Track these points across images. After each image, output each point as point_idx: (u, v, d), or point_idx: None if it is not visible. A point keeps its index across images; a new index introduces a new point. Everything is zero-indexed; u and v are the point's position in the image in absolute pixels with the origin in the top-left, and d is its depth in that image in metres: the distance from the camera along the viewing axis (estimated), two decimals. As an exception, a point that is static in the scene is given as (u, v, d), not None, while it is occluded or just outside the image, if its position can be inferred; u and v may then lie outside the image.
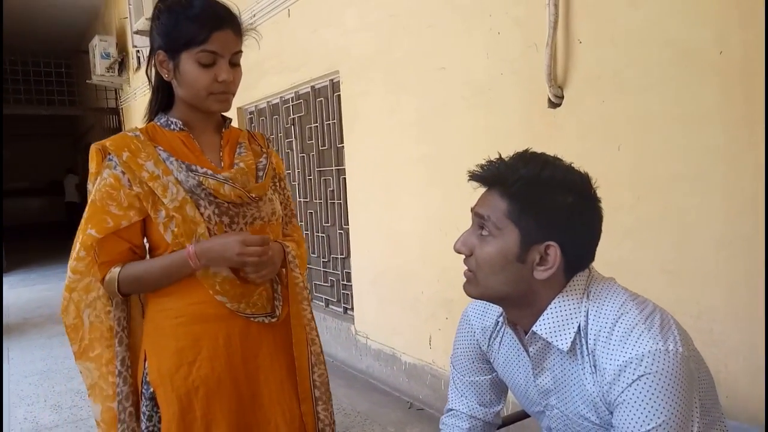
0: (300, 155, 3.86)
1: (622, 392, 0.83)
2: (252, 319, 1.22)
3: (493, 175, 0.92)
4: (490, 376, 1.14)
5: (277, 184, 1.36)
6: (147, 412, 1.19)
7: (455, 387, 1.18)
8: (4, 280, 7.10)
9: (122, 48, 7.60)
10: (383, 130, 2.90)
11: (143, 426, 1.19)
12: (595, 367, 0.89)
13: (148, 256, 1.24)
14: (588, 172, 0.94)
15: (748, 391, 1.54)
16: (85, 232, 1.14)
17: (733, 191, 1.54)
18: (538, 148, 0.98)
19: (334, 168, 3.52)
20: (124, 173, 1.14)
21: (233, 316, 1.20)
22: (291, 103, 3.86)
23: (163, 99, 1.24)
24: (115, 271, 1.16)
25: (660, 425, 0.81)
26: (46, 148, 14.27)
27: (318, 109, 3.59)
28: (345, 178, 3.33)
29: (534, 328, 0.93)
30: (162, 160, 1.16)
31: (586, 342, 0.90)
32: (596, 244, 0.94)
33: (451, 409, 1.18)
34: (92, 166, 1.17)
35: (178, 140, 1.21)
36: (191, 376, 1.17)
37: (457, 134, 2.42)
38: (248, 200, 1.21)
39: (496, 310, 1.07)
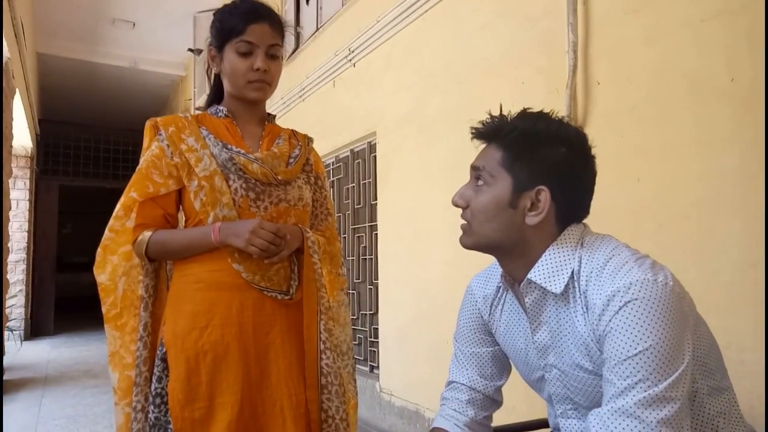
0: (336, 215, 3.99)
1: (610, 320, 0.83)
2: (266, 293, 1.26)
3: (492, 130, 0.98)
4: (491, 349, 1.12)
5: (313, 180, 1.44)
6: (158, 374, 1.22)
7: (456, 360, 1.16)
8: (50, 342, 7.34)
9: (185, 129, 8.21)
10: (413, 182, 3.01)
11: (152, 387, 1.21)
12: (586, 307, 0.88)
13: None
14: (583, 130, 0.99)
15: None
16: (128, 195, 1.26)
17: (753, 212, 1.52)
18: None
19: (367, 224, 3.61)
20: (168, 146, 1.27)
21: (248, 287, 1.24)
22: (331, 167, 4.06)
23: (216, 93, 1.39)
24: (147, 234, 1.25)
25: (647, 349, 0.79)
26: (106, 225, 15.09)
27: (355, 170, 3.76)
28: (377, 234, 3.41)
29: (529, 276, 0.94)
30: (202, 137, 1.29)
31: (578, 284, 0.90)
32: (589, 198, 0.97)
33: (452, 382, 1.16)
34: (145, 141, 1.32)
35: (223, 126, 1.34)
36: (201, 340, 1.21)
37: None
38: (274, 181, 1.30)
39: (497, 278, 1.08)
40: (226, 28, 1.29)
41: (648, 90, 1.82)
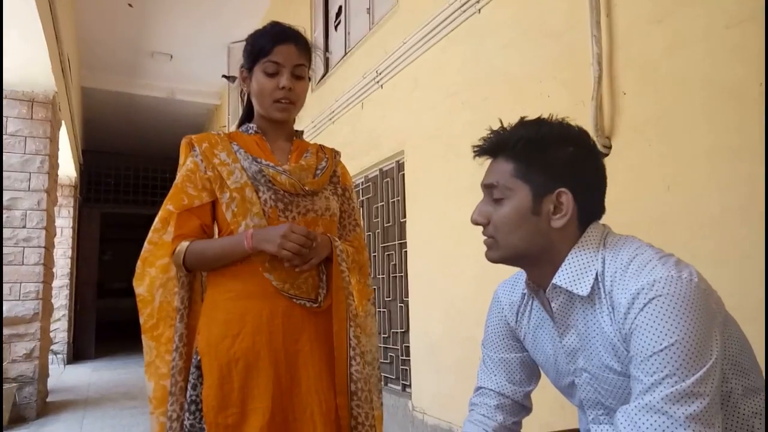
0: (366, 234, 4.03)
1: (636, 318, 0.83)
2: (295, 301, 1.29)
3: (496, 143, 0.99)
4: (520, 355, 1.13)
5: (340, 191, 1.49)
6: (192, 381, 1.26)
7: (485, 366, 1.17)
8: (92, 365, 7.53)
9: (219, 155, 8.45)
10: (441, 198, 3.03)
11: (188, 395, 1.25)
12: (612, 307, 0.89)
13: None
14: (583, 127, 1.00)
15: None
16: (164, 208, 1.33)
17: (788, 217, 1.49)
18: None
19: (396, 242, 3.63)
20: (201, 160, 1.34)
21: (278, 295, 1.28)
22: (361, 187, 4.11)
23: (247, 112, 1.46)
24: (185, 244, 1.30)
25: (673, 344, 0.78)
26: (145, 251, 15.50)
27: (384, 189, 3.80)
28: (406, 251, 3.43)
29: (554, 281, 0.95)
30: (233, 152, 1.35)
31: (603, 285, 0.90)
32: (604, 193, 0.97)
33: (480, 388, 1.16)
34: (181, 158, 1.39)
35: (253, 142, 1.41)
36: (233, 348, 1.24)
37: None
38: (302, 192, 1.35)
39: (522, 285, 1.09)
40: (255, 50, 1.36)
41: (674, 98, 1.82)
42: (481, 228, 1.02)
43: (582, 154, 0.95)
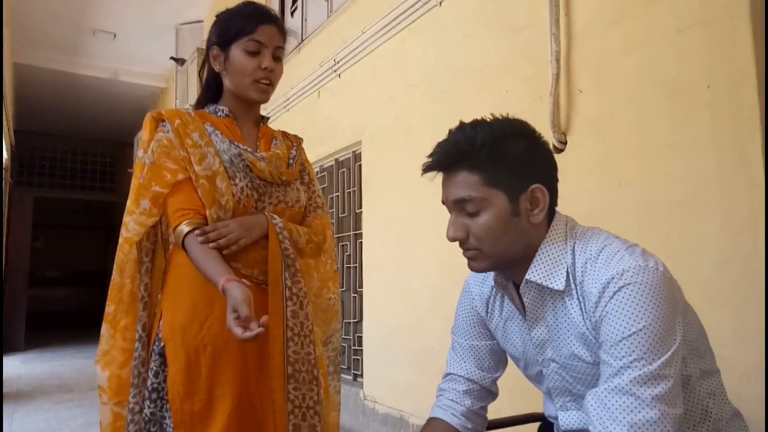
0: (320, 224, 4.00)
1: (606, 305, 0.86)
2: (264, 286, 1.26)
3: (454, 155, 0.96)
4: (489, 342, 1.15)
5: (307, 179, 1.47)
6: (154, 368, 1.21)
7: (454, 352, 1.19)
8: (21, 357, 7.13)
9: (165, 141, 8.16)
10: (399, 190, 3.04)
11: (149, 382, 1.21)
12: (583, 297, 0.92)
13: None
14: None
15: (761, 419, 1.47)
16: (150, 190, 1.25)
17: (729, 212, 1.58)
18: None
19: (351, 233, 3.63)
20: (174, 138, 1.28)
21: (247, 279, 1.25)
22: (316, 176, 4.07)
23: (211, 93, 1.40)
24: (184, 229, 1.23)
25: (641, 329, 0.82)
26: (80, 239, 14.82)
27: (340, 179, 3.78)
28: (361, 242, 3.43)
29: (527, 276, 0.97)
30: (207, 134, 1.30)
31: (574, 276, 0.93)
32: (557, 176, 1.00)
33: (449, 374, 1.18)
34: (145, 134, 1.32)
35: (223, 125, 1.35)
36: (201, 333, 1.21)
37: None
38: (278, 181, 1.32)
39: (491, 278, 1.11)
40: (234, 28, 1.31)
41: (628, 97, 1.89)
42: (441, 224, 1.00)
43: (536, 146, 0.97)
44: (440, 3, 2.80)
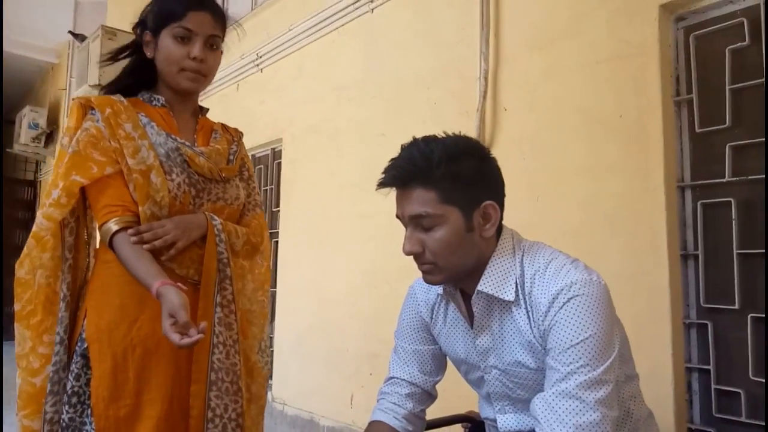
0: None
1: (556, 314, 0.93)
2: (198, 286, 1.21)
3: (410, 172, 0.97)
4: (432, 347, 1.18)
5: (246, 175, 1.42)
6: (75, 371, 1.13)
7: (398, 356, 1.21)
8: None
9: (53, 121, 7.49)
10: (321, 192, 3.03)
11: (68, 386, 1.12)
12: (531, 307, 0.98)
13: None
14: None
15: (664, 419, 1.64)
16: (68, 179, 1.15)
17: (633, 231, 1.76)
18: None
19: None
20: (105, 127, 1.19)
21: (180, 280, 1.19)
22: (229, 172, 3.94)
23: (142, 79, 1.31)
24: (112, 227, 1.15)
25: (588, 338, 0.90)
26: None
27: (257, 177, 3.69)
28: (277, 241, 3.37)
29: (479, 287, 1.01)
30: (141, 125, 1.22)
31: (522, 287, 0.99)
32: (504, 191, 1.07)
33: (392, 377, 1.20)
34: (71, 121, 1.21)
35: (158, 115, 1.27)
36: (131, 335, 1.14)
37: (393, 194, 2.58)
38: (218, 178, 1.27)
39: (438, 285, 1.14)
40: (164, 12, 1.24)
41: (548, 120, 2.04)
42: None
43: (485, 163, 1.02)
44: (372, 10, 2.83)
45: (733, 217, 1.63)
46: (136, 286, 1.16)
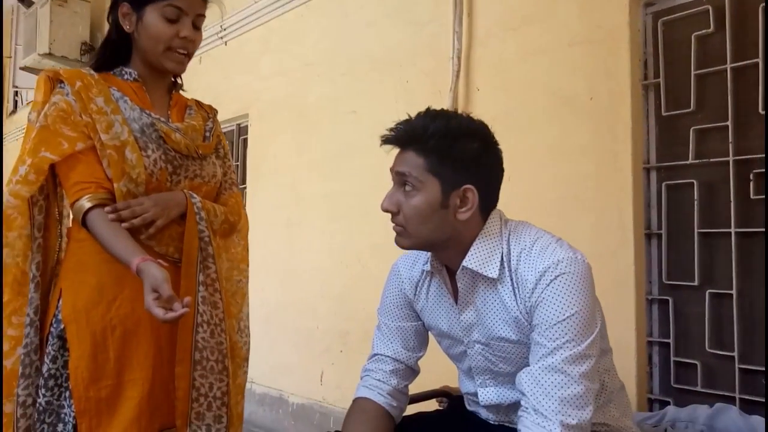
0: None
1: (543, 291, 0.96)
2: (179, 265, 1.19)
3: (407, 136, 1.03)
4: (415, 323, 1.21)
5: (222, 153, 1.40)
6: (52, 353, 1.10)
7: (381, 333, 1.23)
8: None
9: (-4, 90, 7.10)
10: (290, 169, 3.00)
11: (45, 368, 1.09)
12: (517, 284, 1.01)
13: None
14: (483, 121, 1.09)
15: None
16: (37, 155, 1.11)
17: (602, 211, 1.82)
18: None
19: (232, 210, 3.50)
20: (75, 101, 1.15)
21: (162, 259, 1.17)
22: (191, 147, 3.84)
23: (118, 53, 1.26)
24: (85, 205, 1.11)
25: (573, 315, 0.94)
26: None
27: (221, 153, 3.61)
28: (244, 219, 3.32)
29: (464, 263, 1.04)
30: (113, 99, 1.18)
31: (509, 265, 1.02)
32: (501, 182, 1.10)
33: (375, 354, 1.22)
34: (38, 95, 1.17)
35: (130, 89, 1.23)
36: (110, 314, 1.12)
37: (365, 171, 2.58)
38: (195, 154, 1.24)
39: (422, 261, 1.17)
40: None
41: (521, 100, 2.06)
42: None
43: (486, 149, 1.05)
44: (343, -16, 2.78)
45: (695, 198, 1.71)
46: (114, 264, 1.13)
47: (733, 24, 1.66)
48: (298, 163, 2.96)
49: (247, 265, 1.49)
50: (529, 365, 0.98)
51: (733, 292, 1.61)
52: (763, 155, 1.59)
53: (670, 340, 1.73)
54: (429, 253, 1.13)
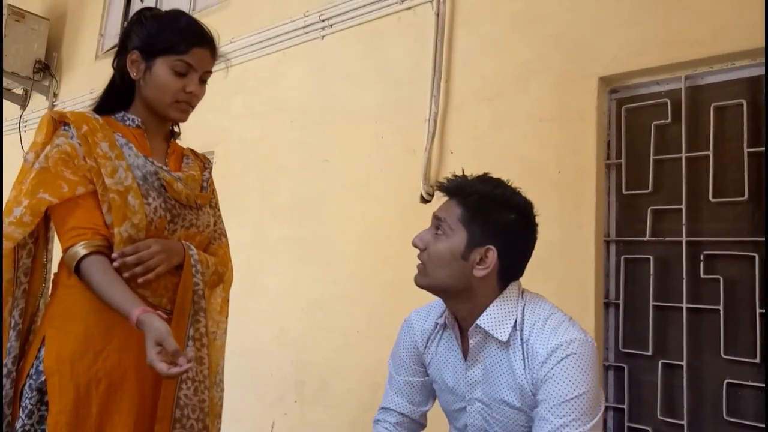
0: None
1: (552, 368, 1.02)
2: (170, 316, 1.17)
3: (456, 187, 1.15)
4: (422, 379, 1.27)
5: (213, 201, 1.40)
6: (29, 407, 1.04)
7: (390, 387, 1.29)
8: None
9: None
10: (254, 211, 2.98)
11: (18, 424, 1.03)
12: (527, 353, 1.07)
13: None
14: (530, 200, 1.19)
15: None
16: (35, 197, 1.07)
17: (565, 279, 1.92)
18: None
19: (187, 246, 3.41)
20: (80, 145, 1.14)
21: (152, 308, 1.14)
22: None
23: (120, 98, 1.26)
24: (80, 252, 1.08)
25: (582, 395, 1.00)
26: None
27: (180, 187, 3.55)
28: (199, 257, 3.25)
29: (478, 322, 1.10)
30: (118, 146, 1.17)
31: (521, 334, 1.09)
32: (527, 260, 1.18)
33: (384, 408, 1.28)
34: (39, 136, 1.14)
35: (132, 135, 1.23)
36: (95, 366, 1.08)
37: (333, 220, 2.61)
38: (193, 204, 1.25)
39: (436, 314, 1.23)
40: (165, 42, 1.20)
41: (492, 167, 2.09)
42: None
43: (519, 223, 1.14)
44: (322, 37, 2.87)
45: (651, 272, 1.84)
46: (103, 313, 1.10)
47: (687, 117, 1.84)
48: (263, 205, 2.95)
49: (226, 317, 1.47)
50: None
51: (684, 363, 1.73)
52: (713, 239, 1.75)
53: (625, 406, 1.83)
54: (443, 308, 1.20)
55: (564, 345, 1.03)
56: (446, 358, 1.20)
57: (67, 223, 1.11)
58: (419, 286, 1.15)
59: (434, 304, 1.25)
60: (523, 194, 1.19)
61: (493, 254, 1.09)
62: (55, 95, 4.84)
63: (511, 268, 1.15)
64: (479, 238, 1.09)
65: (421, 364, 1.27)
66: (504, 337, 1.09)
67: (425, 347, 1.24)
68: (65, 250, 1.11)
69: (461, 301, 1.13)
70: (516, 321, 1.10)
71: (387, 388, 1.31)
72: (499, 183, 1.17)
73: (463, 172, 1.19)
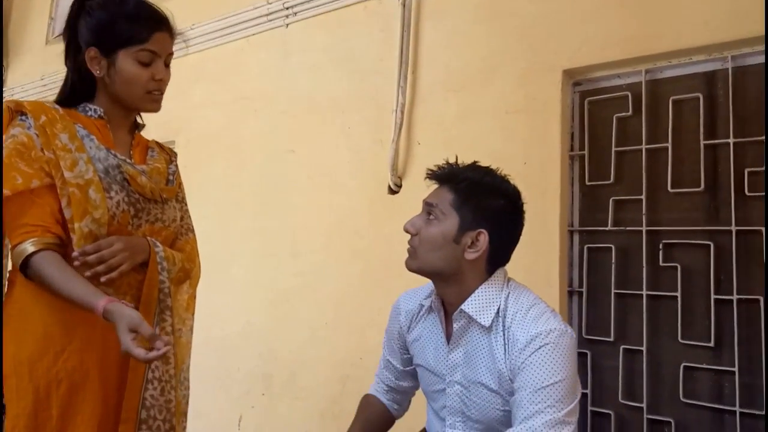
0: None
1: (530, 356, 1.04)
2: None
3: (446, 174, 1.18)
4: (402, 367, 1.34)
5: (179, 195, 1.37)
6: None
7: (382, 359, 1.39)
8: None
9: None
10: (217, 202, 2.92)
11: None
12: (507, 340, 1.09)
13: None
14: (517, 188, 1.22)
15: None
16: None
17: (531, 268, 1.95)
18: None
19: (148, 239, 3.32)
20: (38, 136, 1.09)
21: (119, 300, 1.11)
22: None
23: (81, 92, 1.21)
24: (28, 248, 1.04)
25: (557, 382, 1.03)
26: None
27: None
28: (161, 250, 3.17)
29: (463, 306, 1.13)
30: (78, 137, 1.13)
31: (503, 321, 1.11)
32: (515, 245, 1.21)
33: (377, 375, 1.40)
34: None
35: (94, 127, 1.18)
36: (56, 368, 1.04)
37: (299, 210, 2.58)
38: (158, 198, 1.21)
39: (422, 296, 1.26)
40: (122, 32, 1.15)
41: (459, 159, 2.18)
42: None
43: (509, 210, 1.17)
44: (287, 25, 2.82)
45: (613, 261, 1.89)
46: (62, 313, 1.06)
47: (647, 110, 1.89)
48: (226, 196, 2.89)
49: (192, 314, 1.43)
50: (497, 417, 1.08)
51: (644, 348, 1.79)
52: (671, 228, 1.81)
53: (588, 391, 1.88)
54: (431, 290, 1.22)
55: (543, 334, 1.05)
56: (429, 341, 1.23)
57: (17, 219, 1.06)
58: (410, 269, 1.17)
59: (424, 286, 1.29)
60: (510, 182, 1.22)
61: (484, 238, 1.12)
62: (2, 82, 4.61)
63: (500, 253, 1.17)
64: (471, 222, 1.12)
65: (404, 349, 1.31)
66: (487, 323, 1.12)
67: (409, 327, 1.28)
68: (13, 248, 1.06)
69: (450, 285, 1.15)
70: (499, 308, 1.12)
71: (380, 361, 1.39)
72: (488, 171, 1.20)
73: (456, 159, 1.21)
